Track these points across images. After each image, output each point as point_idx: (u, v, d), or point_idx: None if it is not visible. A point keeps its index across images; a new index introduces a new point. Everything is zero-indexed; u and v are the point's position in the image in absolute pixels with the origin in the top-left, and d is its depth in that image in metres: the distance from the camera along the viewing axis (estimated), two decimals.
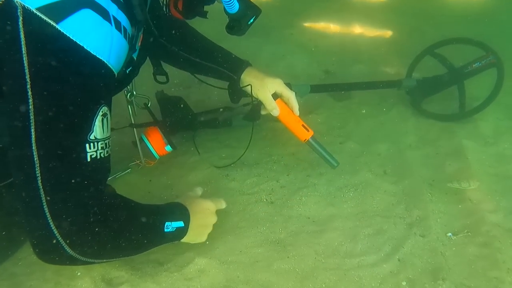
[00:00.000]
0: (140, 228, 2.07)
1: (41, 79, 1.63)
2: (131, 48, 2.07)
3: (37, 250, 1.79)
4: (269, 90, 2.81)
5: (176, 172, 3.18)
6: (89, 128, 1.78)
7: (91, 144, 1.79)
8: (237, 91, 2.98)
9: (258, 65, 3.05)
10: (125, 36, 1.91)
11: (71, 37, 1.62)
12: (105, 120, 1.86)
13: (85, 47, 1.67)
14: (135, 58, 2.25)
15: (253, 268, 2.48)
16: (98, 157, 1.83)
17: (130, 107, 2.96)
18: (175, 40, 2.95)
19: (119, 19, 1.84)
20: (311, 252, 2.59)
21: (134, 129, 3.02)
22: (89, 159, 1.78)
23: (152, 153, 2.99)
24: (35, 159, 1.65)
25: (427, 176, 3.20)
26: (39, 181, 1.67)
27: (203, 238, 2.49)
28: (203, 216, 2.46)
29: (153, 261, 2.45)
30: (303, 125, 2.85)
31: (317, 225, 2.77)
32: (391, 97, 4.17)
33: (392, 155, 3.44)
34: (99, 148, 1.83)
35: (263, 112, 2.94)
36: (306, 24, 5.86)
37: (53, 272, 2.38)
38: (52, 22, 1.57)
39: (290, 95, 2.84)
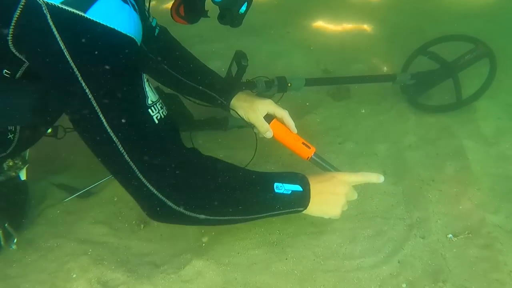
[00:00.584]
0: (243, 183, 2.15)
1: (87, 67, 1.70)
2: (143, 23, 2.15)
3: (150, 215, 2.03)
4: (260, 112, 2.75)
5: None
6: (144, 94, 1.92)
7: (152, 108, 1.94)
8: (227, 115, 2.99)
9: (256, 64, 3.06)
10: (136, 12, 1.98)
11: (101, 22, 1.69)
12: (149, 84, 1.99)
13: (116, 28, 1.73)
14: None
15: (250, 270, 2.48)
16: (162, 116, 1.97)
17: None
18: (165, 58, 2.98)
19: (133, 2, 1.91)
20: (310, 254, 2.59)
21: None
22: (156, 121, 1.93)
23: None
24: (115, 139, 1.80)
25: (427, 177, 3.20)
26: (126, 156, 1.83)
27: (336, 209, 2.38)
28: (329, 185, 2.37)
29: (149, 263, 2.46)
30: (303, 143, 2.77)
31: (315, 227, 2.77)
32: (391, 97, 4.17)
33: (391, 155, 3.45)
34: (159, 108, 1.98)
35: (260, 135, 2.86)
36: (304, 23, 5.85)
37: (48, 274, 2.39)
38: (80, 13, 1.62)
39: (283, 113, 2.76)
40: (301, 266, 2.51)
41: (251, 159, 2.89)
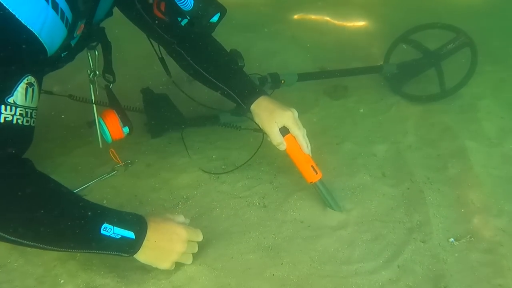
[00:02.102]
0: (63, 213, 2.01)
1: None
2: (69, 34, 2.13)
3: None
4: (276, 124, 2.73)
5: (164, 175, 3.18)
6: (9, 91, 1.83)
7: (8, 106, 1.82)
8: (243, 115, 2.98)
9: (250, 62, 3.05)
10: (62, 19, 1.98)
11: (3, 3, 1.71)
12: (30, 90, 1.91)
13: (16, 16, 1.75)
14: (72, 45, 2.34)
15: (245, 275, 2.47)
16: (14, 122, 1.85)
17: (92, 86, 2.99)
18: (190, 51, 2.99)
19: (57, 1, 1.90)
20: (306, 259, 2.58)
21: (94, 106, 3.01)
22: (2, 120, 1.81)
23: (106, 135, 2.98)
24: None
25: (428, 179, 3.21)
26: None
27: (165, 264, 2.34)
28: (167, 239, 2.31)
29: (140, 268, 2.44)
30: (312, 166, 2.79)
31: (312, 230, 2.77)
32: (390, 95, 4.18)
33: (391, 157, 3.45)
34: (17, 113, 1.86)
35: (272, 143, 2.85)
36: (301, 19, 5.86)
37: (35, 279, 2.37)
38: None
39: (298, 133, 2.75)
40: (297, 271, 2.50)
41: (248, 160, 2.90)
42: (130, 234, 2.15)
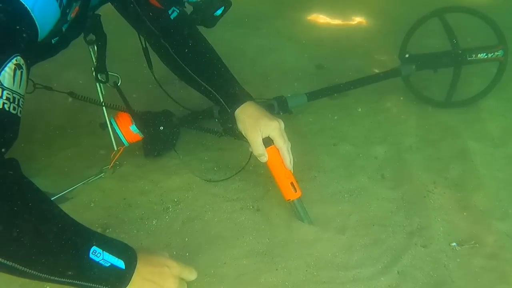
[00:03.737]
0: (47, 232, 1.82)
1: None
2: (62, 16, 2.10)
3: None
4: (261, 133, 2.69)
5: (154, 177, 3.18)
6: None
7: None
8: (227, 122, 2.97)
9: (244, 59, 3.05)
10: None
11: None
12: (18, 72, 1.82)
13: None
14: (63, 30, 2.28)
15: (238, 281, 2.47)
16: (0, 106, 1.73)
17: (99, 86, 3.00)
18: (175, 45, 2.97)
19: None
20: (302, 264, 2.58)
21: (104, 109, 3.03)
22: None
23: (121, 138, 2.98)
24: None
25: (428, 181, 3.21)
26: None
27: None
28: (158, 273, 2.15)
29: None
30: (292, 183, 2.76)
31: (308, 235, 2.77)
32: (389, 94, 4.18)
33: (390, 158, 3.46)
34: (4, 97, 1.74)
35: (253, 153, 2.82)
36: (297, 15, 5.87)
37: (19, 286, 2.36)
38: None
39: (282, 146, 2.71)
40: (292, 278, 2.50)
41: (239, 171, 2.90)
42: (120, 263, 1.98)
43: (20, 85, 1.83)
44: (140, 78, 3.43)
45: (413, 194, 3.09)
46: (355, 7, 6.02)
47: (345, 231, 2.80)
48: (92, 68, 2.94)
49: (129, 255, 2.06)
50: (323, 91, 3.92)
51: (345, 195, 3.07)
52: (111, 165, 3.15)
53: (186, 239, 2.70)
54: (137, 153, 3.33)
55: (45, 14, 1.93)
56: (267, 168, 2.79)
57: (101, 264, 1.90)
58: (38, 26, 1.91)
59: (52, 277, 1.83)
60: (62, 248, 1.83)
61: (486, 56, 3.88)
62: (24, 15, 1.81)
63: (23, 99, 1.87)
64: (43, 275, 1.80)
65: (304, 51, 5.01)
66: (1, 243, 1.68)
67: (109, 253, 1.95)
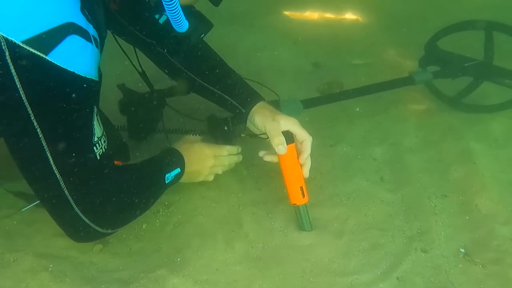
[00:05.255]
0: (148, 190, 2.58)
1: (41, 108, 1.85)
2: (100, 53, 2.25)
3: (73, 237, 2.35)
4: (280, 125, 2.69)
5: None
6: (91, 133, 2.11)
7: (96, 144, 2.14)
8: (239, 125, 2.98)
9: (237, 58, 3.04)
10: (97, 46, 2.08)
11: (61, 66, 1.81)
12: (97, 118, 2.18)
13: (76, 72, 1.89)
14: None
15: None
16: (104, 151, 2.19)
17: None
18: (178, 54, 2.92)
19: (95, 36, 2.04)
20: (298, 270, 2.58)
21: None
22: (98, 157, 2.15)
23: None
24: (58, 176, 2.02)
25: (429, 183, 3.21)
26: (66, 191, 2.08)
27: (200, 177, 3.01)
28: (197, 159, 2.91)
29: (117, 280, 2.44)
30: (301, 188, 2.76)
31: (304, 239, 2.78)
32: (389, 93, 4.17)
33: (390, 160, 3.46)
34: (102, 143, 2.19)
35: (266, 158, 2.84)
36: (292, 11, 5.86)
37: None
38: (41, 54, 1.74)
39: (306, 138, 2.74)
40: (287, 284, 2.50)
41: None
42: (178, 170, 2.74)
43: (101, 124, 2.25)
44: (129, 76, 3.41)
45: (413, 197, 3.09)
46: (351, 3, 6.00)
47: (342, 235, 2.80)
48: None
49: (181, 161, 2.79)
50: (322, 99, 3.87)
51: (343, 198, 3.07)
52: None
53: (177, 244, 2.70)
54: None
55: (97, 65, 2.12)
56: (277, 168, 2.81)
57: (170, 181, 2.69)
58: (96, 79, 2.11)
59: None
60: (152, 194, 2.63)
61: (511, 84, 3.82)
62: (90, 82, 2.02)
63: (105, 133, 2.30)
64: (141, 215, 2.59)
65: (300, 48, 5.00)
66: (119, 211, 2.38)
67: (173, 171, 2.70)
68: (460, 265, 2.64)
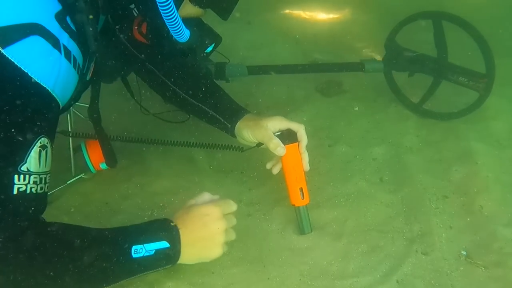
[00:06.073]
0: (93, 258, 2.00)
1: None
2: (81, 79, 2.19)
3: None
4: (269, 129, 2.66)
5: (138, 180, 3.17)
6: (22, 158, 1.84)
7: (22, 176, 1.83)
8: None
9: (234, 55, 3.04)
10: (74, 66, 2.03)
11: (15, 63, 1.76)
12: (43, 153, 1.93)
13: (29, 74, 1.80)
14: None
15: None
16: (28, 191, 1.86)
17: (69, 115, 2.99)
18: (162, 67, 2.97)
19: (69, 48, 1.97)
20: (296, 273, 2.57)
21: (70, 138, 3.04)
22: (15, 192, 1.82)
23: (88, 165, 2.97)
24: None
25: (430, 184, 3.21)
26: None
27: (214, 251, 2.38)
28: (201, 225, 2.32)
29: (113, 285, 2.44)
30: (301, 189, 2.74)
31: (302, 242, 2.77)
32: (388, 92, 4.17)
33: (389, 160, 3.45)
34: (31, 182, 1.87)
35: (274, 171, 2.83)
36: (290, 8, 5.86)
37: None
38: None
39: (298, 127, 2.73)
40: (285, 287, 2.49)
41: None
42: (164, 244, 2.18)
43: (46, 164, 1.95)
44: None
45: (414, 198, 3.08)
46: (351, 0, 6.00)
47: (341, 237, 2.79)
48: None
49: (169, 230, 2.23)
50: (267, 67, 3.95)
51: (341, 199, 3.07)
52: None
53: None
54: (119, 154, 3.31)
55: (65, 86, 2.02)
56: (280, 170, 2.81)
57: (146, 256, 2.12)
58: (59, 100, 2.01)
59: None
60: (106, 268, 2.05)
61: (467, 82, 3.77)
62: (45, 97, 1.91)
63: (50, 173, 2.00)
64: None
65: (298, 46, 5.01)
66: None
67: (149, 242, 2.14)
68: (462, 268, 2.63)
